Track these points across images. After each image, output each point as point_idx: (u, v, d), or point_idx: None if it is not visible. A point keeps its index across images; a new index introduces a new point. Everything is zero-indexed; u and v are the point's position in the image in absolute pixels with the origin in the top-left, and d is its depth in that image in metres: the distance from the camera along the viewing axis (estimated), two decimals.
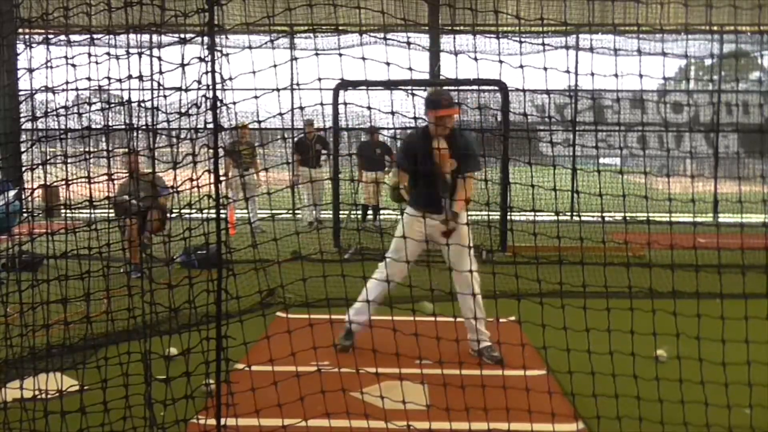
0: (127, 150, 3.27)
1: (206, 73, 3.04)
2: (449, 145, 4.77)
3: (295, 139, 12.67)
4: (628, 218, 3.51)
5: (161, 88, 3.13)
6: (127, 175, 6.39)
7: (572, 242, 3.84)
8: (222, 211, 3.16)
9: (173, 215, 3.40)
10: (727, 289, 3.24)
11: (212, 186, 3.11)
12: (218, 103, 3.07)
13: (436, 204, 4.73)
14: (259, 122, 3.61)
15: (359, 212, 12.45)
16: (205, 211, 3.18)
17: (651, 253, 5.23)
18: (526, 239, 3.76)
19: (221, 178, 3.16)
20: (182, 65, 3.07)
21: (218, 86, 3.06)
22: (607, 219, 3.82)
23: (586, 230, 4.50)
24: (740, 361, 3.24)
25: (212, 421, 3.27)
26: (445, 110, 4.78)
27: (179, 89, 3.09)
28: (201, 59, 3.04)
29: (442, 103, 4.82)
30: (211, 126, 3.10)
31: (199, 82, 3.06)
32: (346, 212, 11.31)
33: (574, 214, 12.10)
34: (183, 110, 3.17)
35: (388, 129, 12.40)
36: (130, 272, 6.30)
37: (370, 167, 11.97)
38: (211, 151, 3.11)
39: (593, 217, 11.05)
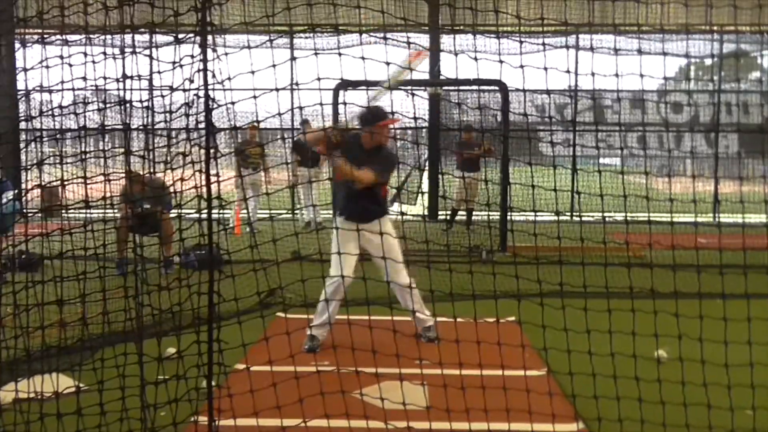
0: (123, 150, 3.24)
1: (199, 71, 3.02)
2: (374, 157, 5.01)
3: (294, 139, 12.64)
4: (628, 218, 3.49)
5: (155, 87, 3.11)
6: (124, 176, 6.37)
7: (572, 242, 3.81)
8: (227, 211, 3.14)
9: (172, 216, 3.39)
10: (729, 289, 3.22)
11: (204, 186, 3.09)
12: (211, 103, 3.04)
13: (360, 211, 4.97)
14: (258, 122, 3.59)
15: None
16: (200, 211, 3.15)
17: (652, 254, 5.20)
18: (526, 239, 3.74)
19: (220, 179, 3.14)
20: (175, 65, 3.05)
21: (211, 85, 3.03)
22: (607, 219, 3.80)
23: (586, 230, 4.47)
24: (743, 362, 3.21)
25: (206, 421, 3.25)
26: (385, 121, 5.02)
27: (171, 88, 3.07)
28: (193, 58, 3.01)
29: (380, 116, 5.01)
30: (203, 126, 3.07)
31: (191, 81, 3.04)
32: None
33: (575, 214, 12.09)
34: (177, 110, 3.14)
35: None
36: (117, 269, 6.29)
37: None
38: (203, 151, 3.09)
39: (593, 217, 11.02)
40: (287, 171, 13.84)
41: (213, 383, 3.22)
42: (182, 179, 3.12)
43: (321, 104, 3.79)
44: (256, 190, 11.22)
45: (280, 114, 3.48)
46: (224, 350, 3.18)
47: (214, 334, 3.11)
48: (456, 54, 3.56)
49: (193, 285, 3.13)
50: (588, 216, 11.18)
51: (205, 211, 3.11)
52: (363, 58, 3.50)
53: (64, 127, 3.38)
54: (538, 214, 3.56)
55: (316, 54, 3.48)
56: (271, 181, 12.04)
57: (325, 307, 4.93)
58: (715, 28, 14.07)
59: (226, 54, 3.19)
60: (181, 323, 3.21)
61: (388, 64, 3.96)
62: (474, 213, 12.01)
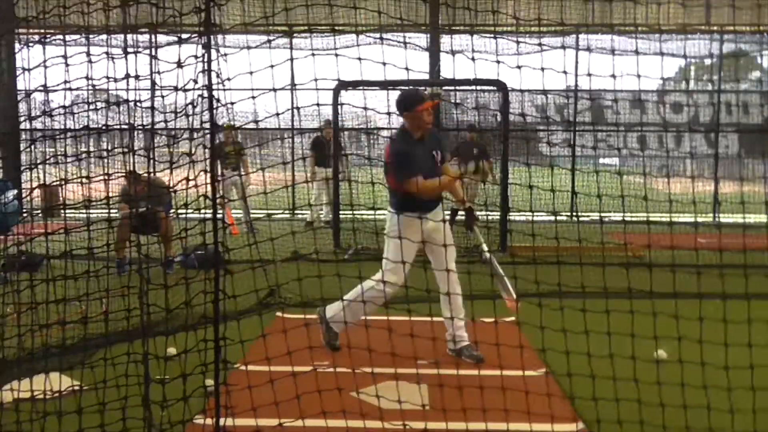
0: (125, 150, 3.24)
1: (202, 72, 3.03)
2: (429, 141, 4.68)
3: (312, 137, 12.64)
4: (627, 219, 3.49)
5: (158, 87, 3.11)
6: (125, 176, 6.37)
7: (571, 243, 3.82)
8: (218, 212, 3.14)
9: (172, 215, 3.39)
10: (729, 290, 3.21)
11: (208, 186, 3.09)
12: (215, 103, 3.05)
13: (430, 204, 4.66)
14: (257, 122, 3.59)
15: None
16: (202, 211, 3.15)
17: (651, 254, 5.21)
18: (525, 240, 3.74)
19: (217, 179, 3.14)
20: (179, 65, 3.05)
21: (215, 86, 3.04)
22: (606, 219, 3.80)
23: (585, 231, 4.48)
24: (743, 364, 3.20)
25: (211, 422, 3.25)
26: (424, 104, 4.60)
27: (176, 89, 3.07)
28: (197, 58, 3.02)
29: (420, 98, 4.66)
30: (207, 125, 3.08)
31: (196, 82, 3.04)
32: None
33: (574, 214, 12.11)
34: (180, 110, 3.15)
35: (387, 129, 12.35)
36: (117, 268, 6.31)
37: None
38: (207, 150, 3.10)
39: (592, 217, 11.02)
40: (287, 171, 13.84)
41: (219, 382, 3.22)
42: (187, 179, 3.12)
43: (318, 104, 3.80)
44: (240, 190, 11.15)
45: (278, 114, 3.48)
46: (226, 348, 3.18)
47: (220, 332, 3.12)
48: (454, 54, 3.56)
49: (198, 283, 3.13)
50: (587, 216, 11.20)
51: (207, 210, 3.11)
52: (360, 58, 3.49)
53: (65, 127, 3.39)
54: (537, 214, 3.57)
55: (313, 54, 3.48)
56: (259, 180, 12.00)
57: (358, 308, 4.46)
58: (714, 28, 14.08)
59: (226, 54, 3.19)
60: (186, 322, 3.21)
61: (385, 64, 3.97)
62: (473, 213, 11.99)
